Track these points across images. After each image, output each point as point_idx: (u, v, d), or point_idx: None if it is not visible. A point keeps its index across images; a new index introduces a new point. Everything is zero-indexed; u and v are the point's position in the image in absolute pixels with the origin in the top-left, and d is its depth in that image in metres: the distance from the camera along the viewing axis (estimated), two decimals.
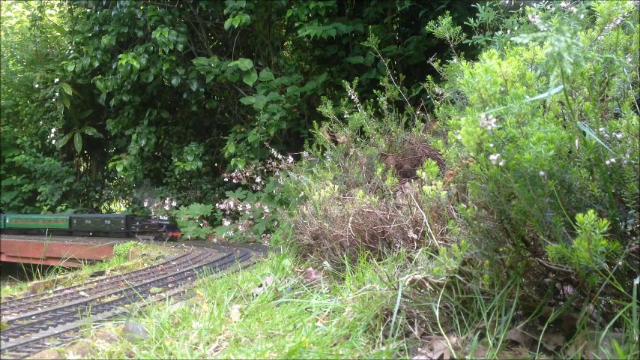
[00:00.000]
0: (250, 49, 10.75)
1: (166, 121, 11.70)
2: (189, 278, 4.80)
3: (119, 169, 10.88)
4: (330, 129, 4.85)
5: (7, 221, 10.23)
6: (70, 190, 12.07)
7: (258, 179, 8.95)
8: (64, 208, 11.60)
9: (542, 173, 1.38)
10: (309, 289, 2.69)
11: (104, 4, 10.39)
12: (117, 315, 3.43)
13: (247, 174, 8.98)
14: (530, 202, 1.46)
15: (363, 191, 3.21)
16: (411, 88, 6.45)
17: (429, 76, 4.18)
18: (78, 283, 4.75)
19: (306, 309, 2.35)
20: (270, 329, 2.11)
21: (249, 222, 8.63)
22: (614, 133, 1.54)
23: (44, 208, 11.58)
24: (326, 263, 3.13)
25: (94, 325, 2.77)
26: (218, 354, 1.98)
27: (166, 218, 9.77)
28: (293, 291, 2.73)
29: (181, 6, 10.25)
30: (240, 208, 8.69)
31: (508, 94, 1.47)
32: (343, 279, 2.64)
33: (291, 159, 6.82)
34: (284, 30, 11.28)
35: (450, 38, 3.56)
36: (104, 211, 13.06)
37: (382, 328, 1.86)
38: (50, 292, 4.34)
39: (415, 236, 2.69)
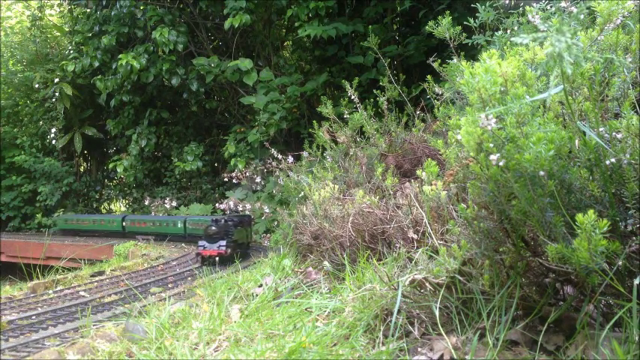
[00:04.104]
0: (250, 49, 10.74)
1: (166, 121, 11.69)
2: (189, 278, 4.80)
3: (119, 169, 10.89)
4: (330, 129, 4.84)
5: (188, 226, 8.20)
6: (70, 190, 12.06)
7: (258, 179, 8.96)
8: (63, 210, 11.59)
9: (542, 173, 1.38)
10: (309, 289, 2.68)
11: (104, 4, 10.39)
12: (117, 315, 3.43)
13: (247, 174, 8.98)
14: (530, 202, 1.46)
15: (363, 191, 3.21)
16: (411, 88, 6.44)
17: (429, 76, 4.17)
18: (78, 283, 4.75)
19: (306, 309, 2.35)
20: (270, 329, 2.11)
21: None
22: (614, 133, 1.53)
23: (40, 211, 11.56)
24: (326, 263, 3.13)
25: (94, 325, 2.77)
26: (218, 354, 1.98)
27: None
28: (293, 291, 2.73)
29: (181, 6, 10.24)
30: (240, 208, 8.69)
31: (508, 94, 1.47)
32: (343, 279, 2.64)
33: (291, 159, 6.82)
34: (284, 30, 11.28)
35: (450, 38, 3.56)
36: (104, 211, 13.04)
37: (382, 328, 1.86)
38: (50, 292, 4.34)
39: (415, 236, 2.69)
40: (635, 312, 1.34)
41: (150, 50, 9.61)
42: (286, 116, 8.80)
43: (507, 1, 3.49)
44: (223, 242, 5.43)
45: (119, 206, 13.15)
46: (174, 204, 10.28)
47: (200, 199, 10.69)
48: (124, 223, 9.22)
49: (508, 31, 3.15)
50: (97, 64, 10.25)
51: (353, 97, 4.69)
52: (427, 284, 1.91)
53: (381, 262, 2.57)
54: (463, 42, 3.60)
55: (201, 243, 5.49)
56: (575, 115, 1.57)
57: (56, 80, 11.17)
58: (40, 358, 2.26)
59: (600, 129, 1.54)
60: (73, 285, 4.66)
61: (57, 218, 10.73)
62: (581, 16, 2.12)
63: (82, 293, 4.26)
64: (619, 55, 1.63)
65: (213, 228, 5.47)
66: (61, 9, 12.57)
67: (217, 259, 5.29)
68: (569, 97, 1.58)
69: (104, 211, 13.04)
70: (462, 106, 3.09)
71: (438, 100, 4.14)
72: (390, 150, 4.32)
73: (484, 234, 1.73)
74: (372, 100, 4.73)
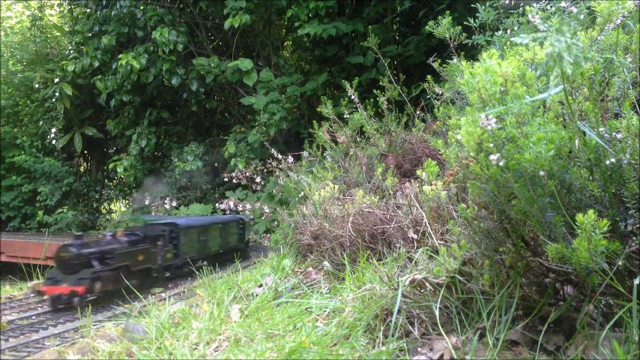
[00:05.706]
0: (250, 49, 10.74)
1: (166, 121, 11.69)
2: (189, 278, 4.80)
3: (119, 169, 10.88)
4: (330, 129, 4.84)
5: None
6: (70, 190, 12.06)
7: (258, 179, 8.95)
8: (65, 210, 11.57)
9: (542, 173, 1.38)
10: (309, 289, 2.68)
11: (104, 4, 10.39)
12: (117, 315, 3.43)
13: (247, 174, 8.98)
14: (530, 202, 1.46)
15: (363, 191, 3.21)
16: (411, 88, 6.44)
17: (429, 76, 4.17)
18: None
19: (306, 309, 2.35)
20: (270, 329, 2.11)
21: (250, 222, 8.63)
22: (614, 133, 1.53)
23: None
24: (326, 263, 3.13)
25: (94, 325, 2.77)
26: (218, 354, 1.98)
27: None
28: (293, 291, 2.73)
29: (181, 6, 10.24)
30: (240, 208, 8.69)
31: (508, 94, 1.47)
32: (343, 279, 2.64)
33: (291, 159, 6.82)
34: (284, 30, 11.28)
35: (450, 38, 3.56)
36: (104, 211, 13.04)
37: (382, 328, 1.86)
38: None
39: (415, 236, 2.69)
40: (635, 312, 1.34)
41: (150, 50, 9.61)
42: (286, 116, 8.80)
43: (507, 1, 3.49)
44: (87, 273, 3.53)
45: (119, 206, 13.15)
46: (174, 204, 10.28)
47: (200, 199, 10.69)
48: None
49: (508, 31, 3.15)
50: (97, 64, 10.25)
51: (353, 97, 4.69)
52: (427, 284, 1.91)
53: (381, 262, 2.57)
54: (463, 42, 3.59)
55: (51, 274, 3.61)
56: (575, 115, 1.57)
57: (56, 80, 11.16)
58: (40, 358, 2.26)
59: (600, 129, 1.54)
60: None
61: (135, 217, 10.55)
62: (581, 16, 2.12)
63: None
64: (619, 55, 1.63)
65: (73, 249, 3.56)
66: (61, 9, 12.57)
67: (76, 299, 3.45)
68: (569, 97, 1.58)
69: (104, 211, 13.05)
70: (462, 106, 3.09)
71: (438, 100, 4.14)
72: (390, 150, 4.32)
73: (484, 234, 1.73)
74: (372, 100, 4.73)
